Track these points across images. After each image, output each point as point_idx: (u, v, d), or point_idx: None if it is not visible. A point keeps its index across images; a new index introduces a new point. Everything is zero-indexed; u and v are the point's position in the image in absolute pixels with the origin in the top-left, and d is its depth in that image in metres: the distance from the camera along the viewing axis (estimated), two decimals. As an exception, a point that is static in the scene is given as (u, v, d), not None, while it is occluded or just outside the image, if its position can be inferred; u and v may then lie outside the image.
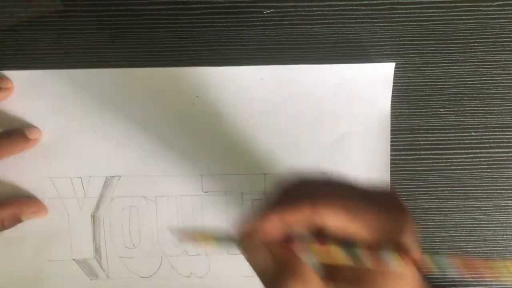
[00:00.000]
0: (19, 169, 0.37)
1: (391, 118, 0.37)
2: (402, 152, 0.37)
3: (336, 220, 0.22)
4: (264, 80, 0.36)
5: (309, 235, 0.24)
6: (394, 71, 0.36)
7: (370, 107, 0.37)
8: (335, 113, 0.37)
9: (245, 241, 0.25)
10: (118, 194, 0.38)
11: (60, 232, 0.38)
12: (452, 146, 0.37)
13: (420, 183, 0.38)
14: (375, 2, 0.36)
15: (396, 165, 0.38)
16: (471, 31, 0.36)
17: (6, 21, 0.35)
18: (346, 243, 0.22)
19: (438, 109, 0.37)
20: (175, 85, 0.36)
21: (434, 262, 0.22)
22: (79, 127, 0.37)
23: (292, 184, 0.26)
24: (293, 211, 0.23)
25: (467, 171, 0.38)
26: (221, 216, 0.37)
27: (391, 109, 0.37)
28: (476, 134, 0.37)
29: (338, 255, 0.22)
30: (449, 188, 0.38)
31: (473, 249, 0.38)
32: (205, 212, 0.37)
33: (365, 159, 0.37)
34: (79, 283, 0.38)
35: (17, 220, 0.36)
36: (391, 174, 0.38)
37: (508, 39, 0.36)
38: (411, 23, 0.36)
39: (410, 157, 0.37)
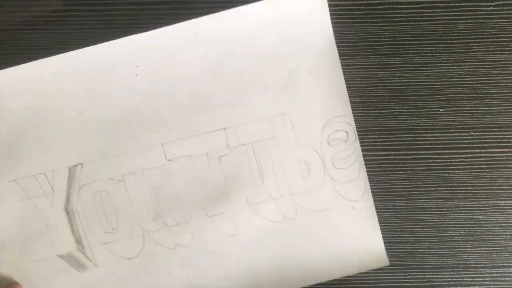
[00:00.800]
0: None
1: (391, 117, 0.37)
2: (401, 152, 0.37)
3: None
4: (198, 34, 0.36)
5: None
6: (391, 73, 0.36)
7: (310, 37, 0.36)
8: (278, 53, 0.36)
9: None
10: (85, 182, 0.37)
11: (38, 232, 0.37)
12: (452, 146, 0.37)
13: (419, 183, 0.38)
14: (374, 1, 0.36)
15: (395, 164, 0.38)
16: (471, 31, 0.36)
17: (6, 21, 0.35)
18: None
19: (438, 109, 0.37)
20: (114, 59, 0.36)
21: None
22: (27, 122, 0.36)
23: None
24: None
25: (466, 171, 0.38)
26: (192, 181, 0.37)
27: (391, 109, 0.37)
28: (476, 134, 0.37)
29: None
30: (448, 188, 0.38)
31: (473, 249, 0.38)
32: (175, 179, 0.37)
33: (319, 92, 0.36)
34: (69, 277, 0.38)
35: None
36: (390, 174, 0.38)
37: (508, 39, 0.36)
38: (410, 23, 0.36)
39: (410, 156, 0.37)
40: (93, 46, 0.35)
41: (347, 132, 0.37)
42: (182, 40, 0.36)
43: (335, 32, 0.36)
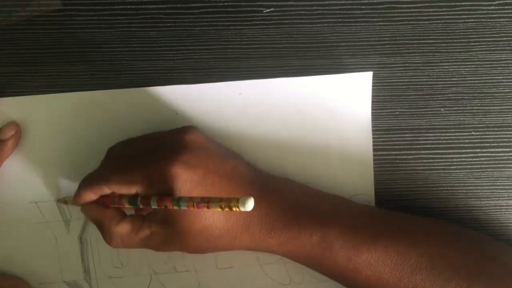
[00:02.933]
0: (3, 195, 0.37)
1: (392, 117, 0.37)
2: (402, 152, 0.37)
3: (122, 189, 0.32)
4: (242, 95, 0.36)
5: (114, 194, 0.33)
6: (392, 72, 0.36)
7: (349, 116, 0.37)
8: (315, 123, 0.37)
9: (75, 205, 0.35)
10: None
11: (49, 256, 0.38)
12: (453, 145, 0.37)
13: (420, 183, 0.38)
14: (375, 1, 0.35)
15: (396, 164, 0.37)
16: (472, 30, 0.36)
17: (5, 20, 0.35)
18: (133, 197, 0.32)
19: (439, 109, 0.37)
20: (154, 104, 0.36)
21: (176, 204, 0.29)
22: (58, 150, 0.37)
23: (104, 161, 0.35)
24: (98, 190, 0.33)
25: (467, 171, 0.37)
26: None
27: (392, 109, 0.37)
28: (477, 133, 0.37)
29: (127, 204, 0.32)
30: (449, 188, 0.38)
31: (474, 249, 0.38)
32: None
33: (347, 169, 0.37)
34: None
35: None
36: (391, 173, 0.38)
37: (509, 39, 0.36)
38: (411, 22, 0.36)
39: (411, 156, 0.37)
40: (140, 88, 0.36)
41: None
42: (225, 97, 0.36)
43: (335, 31, 0.36)
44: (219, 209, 0.27)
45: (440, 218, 0.38)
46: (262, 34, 0.36)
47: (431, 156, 0.37)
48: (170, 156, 0.31)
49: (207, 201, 0.28)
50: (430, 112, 0.37)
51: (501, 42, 0.36)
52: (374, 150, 0.37)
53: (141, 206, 0.32)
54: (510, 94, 0.37)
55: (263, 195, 0.33)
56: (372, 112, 0.37)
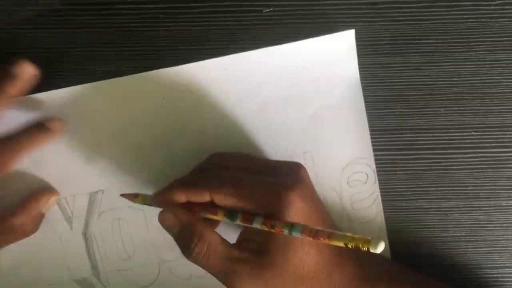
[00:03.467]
0: (2, 197, 0.36)
1: (392, 117, 0.37)
2: (402, 152, 0.37)
3: (226, 201, 0.31)
4: (227, 70, 0.36)
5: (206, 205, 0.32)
6: (392, 72, 0.36)
7: (337, 79, 0.36)
8: (304, 92, 0.36)
9: (157, 204, 0.33)
10: (105, 208, 0.37)
11: (55, 255, 0.38)
12: (453, 145, 0.37)
13: (420, 183, 0.38)
14: (375, 1, 0.35)
15: (396, 164, 0.37)
16: (472, 30, 0.36)
17: (5, 20, 0.35)
18: (232, 211, 0.31)
19: (439, 109, 0.37)
20: (140, 91, 0.36)
21: (288, 229, 0.28)
22: (51, 147, 0.36)
23: (204, 165, 0.34)
24: (196, 194, 0.31)
25: (467, 171, 0.37)
26: None
27: (392, 109, 0.37)
28: (477, 133, 0.37)
29: (227, 219, 0.31)
30: (449, 188, 0.38)
31: (474, 249, 0.38)
32: None
33: (342, 133, 0.37)
34: None
35: (40, 219, 0.36)
36: (391, 174, 0.37)
37: (509, 39, 0.36)
38: (411, 22, 0.36)
39: (411, 156, 0.37)
40: (125, 77, 0.36)
41: (367, 174, 0.37)
42: (211, 75, 0.36)
43: (335, 30, 0.36)
44: (342, 245, 0.26)
45: (440, 218, 0.38)
46: (262, 34, 0.36)
47: (431, 156, 0.37)
48: (290, 183, 0.31)
49: (328, 234, 0.27)
50: (430, 112, 0.37)
51: (501, 42, 0.36)
52: (374, 150, 0.37)
53: (240, 223, 0.30)
54: (510, 94, 0.37)
55: None
56: (372, 112, 0.37)
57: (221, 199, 0.31)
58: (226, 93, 0.36)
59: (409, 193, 0.38)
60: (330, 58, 0.36)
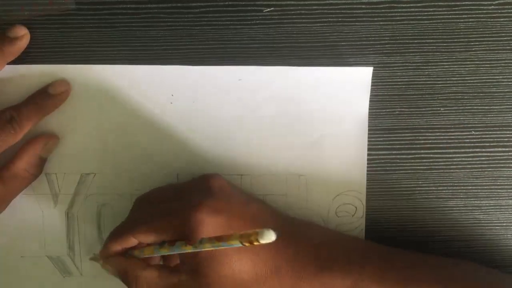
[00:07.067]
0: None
1: (391, 117, 0.37)
2: (402, 151, 0.37)
3: (148, 239, 0.33)
4: (241, 81, 0.36)
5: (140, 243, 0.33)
6: (392, 71, 0.36)
7: (346, 110, 0.36)
8: (312, 115, 0.37)
9: (102, 258, 0.35)
10: (93, 192, 0.37)
11: (34, 229, 0.38)
12: (453, 145, 0.37)
13: (420, 182, 0.38)
14: (375, 0, 0.35)
15: (396, 164, 0.37)
16: (472, 30, 0.36)
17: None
18: (161, 243, 0.32)
19: (439, 108, 0.37)
20: (152, 83, 0.36)
21: (196, 244, 0.30)
22: (54, 123, 0.36)
23: (131, 211, 0.36)
24: (125, 242, 0.33)
25: (467, 170, 0.37)
26: None
27: (392, 108, 0.37)
28: (477, 133, 0.37)
29: (155, 252, 0.33)
30: (449, 188, 0.38)
31: (474, 249, 0.38)
32: None
33: (340, 163, 0.37)
34: (52, 279, 0.38)
35: (41, 162, 0.36)
36: (391, 173, 0.38)
37: (509, 38, 0.36)
38: (411, 22, 0.36)
39: (410, 156, 0.37)
40: (139, 66, 0.36)
41: (356, 207, 0.38)
42: (225, 82, 0.36)
43: (335, 30, 0.36)
44: (239, 244, 0.26)
45: (440, 218, 0.38)
46: (262, 34, 0.36)
47: (431, 155, 0.37)
48: (195, 201, 0.32)
49: (226, 239, 0.27)
50: (430, 112, 0.37)
51: (501, 42, 0.36)
52: (374, 149, 0.37)
53: (167, 252, 0.32)
54: (510, 93, 0.37)
55: (287, 237, 0.33)
56: (371, 112, 0.37)
57: (144, 238, 0.33)
58: (236, 103, 0.36)
59: (409, 192, 0.38)
60: (343, 90, 0.36)
